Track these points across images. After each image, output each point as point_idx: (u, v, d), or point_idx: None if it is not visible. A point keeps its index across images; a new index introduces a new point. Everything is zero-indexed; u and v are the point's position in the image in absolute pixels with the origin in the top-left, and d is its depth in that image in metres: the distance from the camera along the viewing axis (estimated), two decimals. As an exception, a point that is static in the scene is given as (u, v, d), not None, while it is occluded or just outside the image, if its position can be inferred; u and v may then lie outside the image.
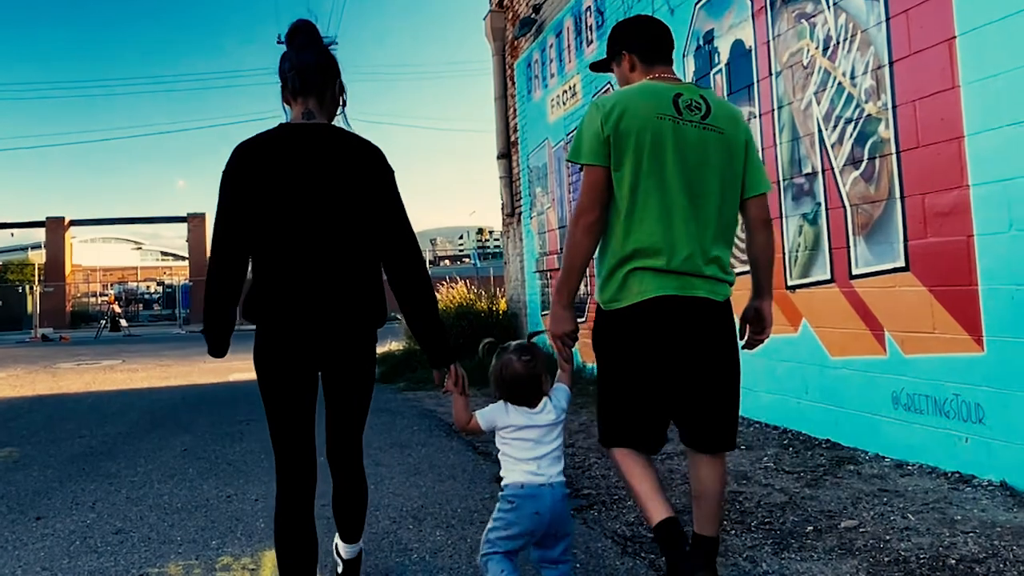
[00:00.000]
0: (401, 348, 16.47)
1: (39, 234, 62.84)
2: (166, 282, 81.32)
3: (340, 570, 4.42)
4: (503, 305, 17.26)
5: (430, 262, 71.98)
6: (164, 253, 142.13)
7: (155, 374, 18.55)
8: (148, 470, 7.95)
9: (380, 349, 16.44)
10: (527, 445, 3.95)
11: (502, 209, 17.59)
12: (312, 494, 3.92)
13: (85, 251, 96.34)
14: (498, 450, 4.05)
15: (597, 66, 4.67)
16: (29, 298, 51.40)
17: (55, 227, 57.98)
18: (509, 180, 17.12)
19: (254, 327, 3.85)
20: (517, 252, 16.89)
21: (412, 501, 6.42)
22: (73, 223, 60.19)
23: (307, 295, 3.74)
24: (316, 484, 3.95)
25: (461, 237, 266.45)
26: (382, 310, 3.94)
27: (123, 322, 45.09)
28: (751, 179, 4.13)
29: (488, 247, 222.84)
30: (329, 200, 3.75)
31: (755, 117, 8.60)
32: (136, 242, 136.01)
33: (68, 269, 58.93)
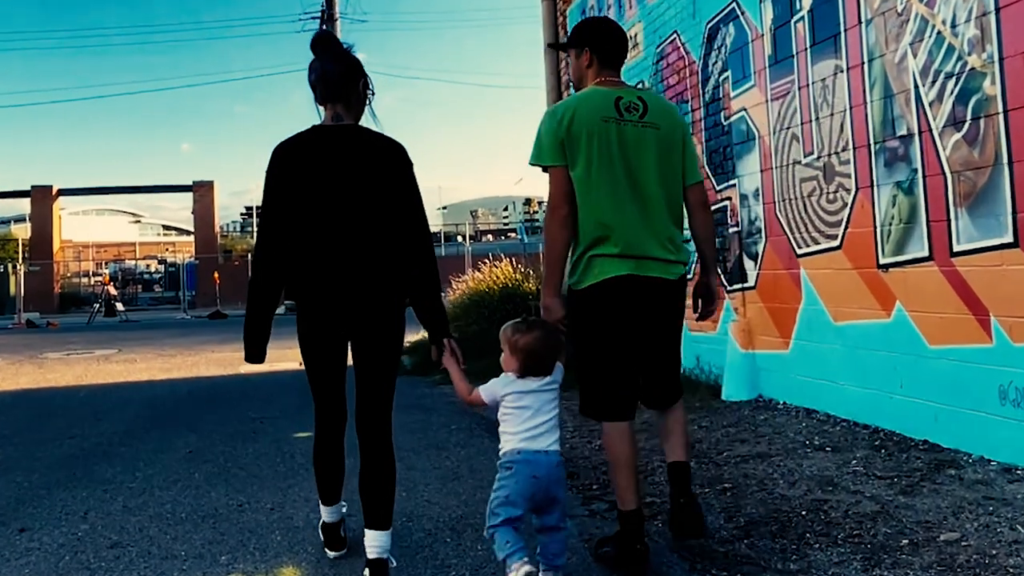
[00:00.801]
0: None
1: (23, 205, 63.62)
2: (168, 260, 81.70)
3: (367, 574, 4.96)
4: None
5: (471, 236, 72.15)
6: (166, 227, 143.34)
7: (156, 365, 18.77)
8: (148, 475, 8.05)
9: (412, 337, 16.58)
10: (527, 414, 4.71)
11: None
12: (343, 431, 5.31)
13: (76, 225, 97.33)
14: (499, 424, 4.83)
15: (556, 46, 6.66)
16: (12, 278, 51.54)
17: (41, 197, 58.46)
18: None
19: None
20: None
21: (450, 511, 6.47)
22: (62, 192, 60.75)
23: (339, 274, 4.93)
24: (346, 425, 5.29)
25: (506, 208, 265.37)
26: (404, 286, 5.08)
27: (119, 306, 45.49)
28: (689, 169, 5.48)
29: (537, 220, 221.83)
30: (357, 193, 4.94)
31: (841, 71, 8.52)
32: (134, 215, 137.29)
33: (56, 245, 59.52)
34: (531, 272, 17.70)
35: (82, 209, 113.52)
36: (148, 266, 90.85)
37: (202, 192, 59.55)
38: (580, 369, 5.34)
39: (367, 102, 5.30)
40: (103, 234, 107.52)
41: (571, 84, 16.93)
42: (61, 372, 17.86)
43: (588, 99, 5.32)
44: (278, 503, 6.84)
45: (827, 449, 7.60)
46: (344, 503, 5.65)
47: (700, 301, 5.75)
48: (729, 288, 10.80)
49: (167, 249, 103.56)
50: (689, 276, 5.62)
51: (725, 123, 10.80)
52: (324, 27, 33.14)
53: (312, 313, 5.07)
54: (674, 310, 5.38)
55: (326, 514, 5.58)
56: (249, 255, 54.51)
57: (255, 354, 5.05)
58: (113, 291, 48.03)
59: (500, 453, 4.76)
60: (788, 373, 9.65)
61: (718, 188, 10.94)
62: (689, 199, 5.51)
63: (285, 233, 4.96)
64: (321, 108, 5.21)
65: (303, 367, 5.29)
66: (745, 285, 10.47)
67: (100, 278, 58.82)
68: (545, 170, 5.24)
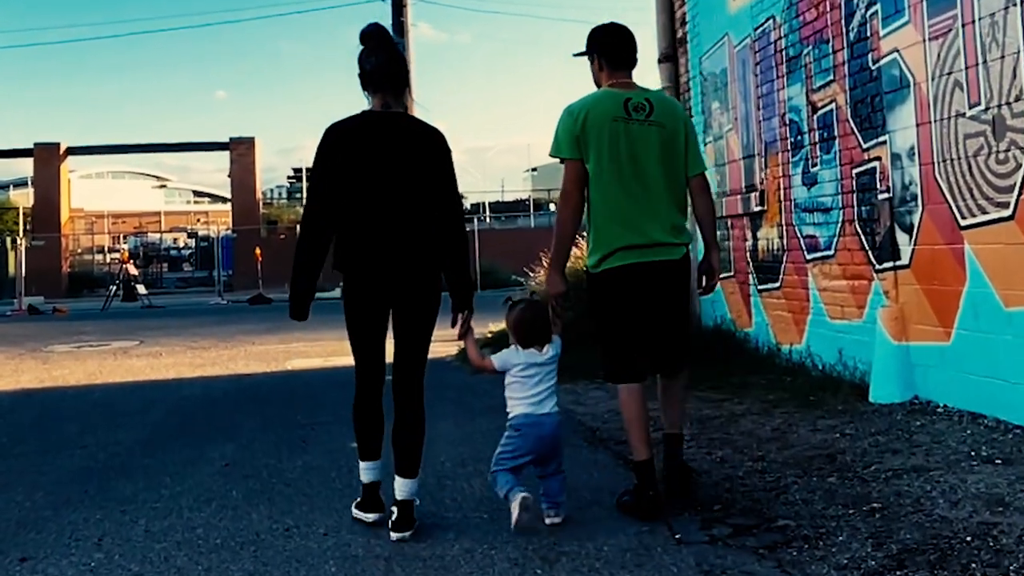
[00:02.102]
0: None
1: (25, 167, 64.59)
2: (200, 233, 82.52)
3: (395, 515, 6.71)
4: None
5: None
6: (197, 193, 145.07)
7: (185, 360, 19.05)
8: (176, 492, 8.17)
9: (494, 327, 16.74)
10: (532, 381, 6.85)
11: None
12: (381, 389, 7.04)
13: (89, 190, 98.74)
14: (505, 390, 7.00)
15: (581, 54, 7.85)
16: (11, 255, 51.61)
17: (47, 157, 59.34)
18: (675, 92, 16.97)
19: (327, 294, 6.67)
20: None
21: (540, 536, 6.51)
22: (72, 151, 61.68)
23: (382, 248, 6.77)
24: (383, 383, 7.01)
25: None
26: (440, 260, 6.96)
27: (141, 288, 45.68)
28: (691, 162, 7.51)
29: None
30: (401, 174, 6.81)
31: (1015, 5, 8.37)
32: (159, 178, 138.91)
33: (65, 215, 60.44)
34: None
35: (96, 171, 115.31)
36: (176, 240, 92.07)
37: (241, 151, 60.16)
38: (598, 341, 7.47)
39: (407, 93, 7.21)
40: (121, 202, 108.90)
41: (685, 21, 16.92)
42: (71, 368, 18.14)
43: (600, 101, 7.37)
44: (333, 527, 6.92)
45: (997, 461, 7.54)
46: (380, 464, 7.10)
47: (703, 278, 7.72)
48: (878, 267, 10.63)
49: (198, 220, 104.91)
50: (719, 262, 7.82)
51: (873, 67, 10.63)
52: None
53: (357, 283, 6.90)
54: (679, 285, 7.44)
55: (364, 472, 7.12)
56: (297, 227, 54.59)
57: (300, 311, 6.88)
58: (133, 270, 48.03)
59: (509, 416, 6.90)
60: (950, 370, 9.52)
61: (864, 146, 10.76)
62: (692, 187, 7.57)
63: (333, 207, 6.78)
64: (367, 94, 7.05)
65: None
66: (897, 263, 10.29)
67: (117, 255, 59.51)
68: (562, 162, 7.32)
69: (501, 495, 6.54)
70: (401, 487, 6.77)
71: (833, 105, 11.46)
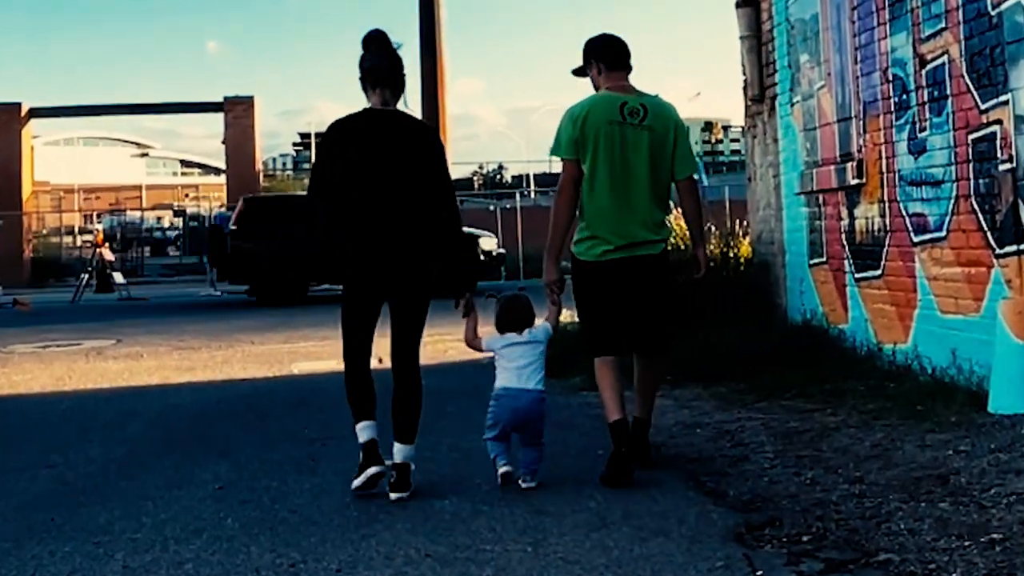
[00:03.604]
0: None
1: (-20, 133, 64.62)
2: (189, 210, 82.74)
3: (394, 478, 8.58)
4: (746, 249, 17.18)
5: None
6: (186, 163, 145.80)
7: (171, 363, 19.16)
8: (159, 521, 8.22)
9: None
10: (512, 356, 8.93)
11: (744, 90, 17.60)
12: (368, 364, 9.05)
13: (56, 160, 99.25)
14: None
15: (577, 72, 9.98)
16: (-37, 238, 51.82)
17: (5, 120, 59.63)
18: (756, 42, 16.95)
19: (324, 288, 9.95)
20: (769, 161, 16.89)
21: (595, 572, 6.53)
22: (35, 113, 62.03)
23: (378, 236, 8.75)
24: (370, 358, 9.05)
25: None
26: (433, 248, 8.96)
27: (118, 277, 45.56)
28: (678, 166, 9.48)
29: (721, 152, 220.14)
30: (397, 167, 8.77)
31: None
32: (140, 145, 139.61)
33: (28, 189, 60.75)
34: (712, 227, 17.57)
35: (64, 137, 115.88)
36: (160, 219, 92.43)
37: (238, 112, 60.35)
38: (580, 320, 9.88)
39: (402, 93, 9.17)
40: (95, 173, 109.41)
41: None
42: (34, 373, 18.22)
43: (598, 104, 9.43)
44: (347, 562, 6.96)
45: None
46: (375, 423, 8.83)
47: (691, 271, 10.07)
48: (999, 251, 10.50)
49: (187, 195, 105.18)
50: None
51: (993, 12, 10.53)
52: None
53: (354, 267, 8.93)
54: (657, 277, 9.43)
55: (361, 431, 8.85)
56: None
57: (335, 258, 9.04)
58: (109, 256, 47.94)
59: (494, 388, 8.99)
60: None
61: (982, 106, 10.64)
62: (680, 188, 9.73)
63: (332, 195, 8.91)
64: (367, 93, 9.09)
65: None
66: (1022, 247, 10.18)
67: (90, 237, 59.62)
68: (562, 160, 9.48)
69: (491, 458, 8.94)
70: (399, 452, 8.68)
71: (945, 58, 11.38)
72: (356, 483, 8.69)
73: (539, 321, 9.25)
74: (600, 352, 9.35)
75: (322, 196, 9.00)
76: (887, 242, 12.96)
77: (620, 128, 9.24)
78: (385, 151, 8.80)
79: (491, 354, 9.24)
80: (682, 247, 16.68)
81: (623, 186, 9.27)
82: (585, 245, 9.43)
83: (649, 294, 9.37)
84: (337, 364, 15.86)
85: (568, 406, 12.26)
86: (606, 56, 9.71)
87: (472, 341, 9.30)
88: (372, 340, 9.06)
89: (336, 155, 8.89)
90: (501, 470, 8.77)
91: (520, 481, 8.72)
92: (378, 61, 9.05)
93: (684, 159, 9.59)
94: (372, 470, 8.60)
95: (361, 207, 8.80)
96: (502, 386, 8.90)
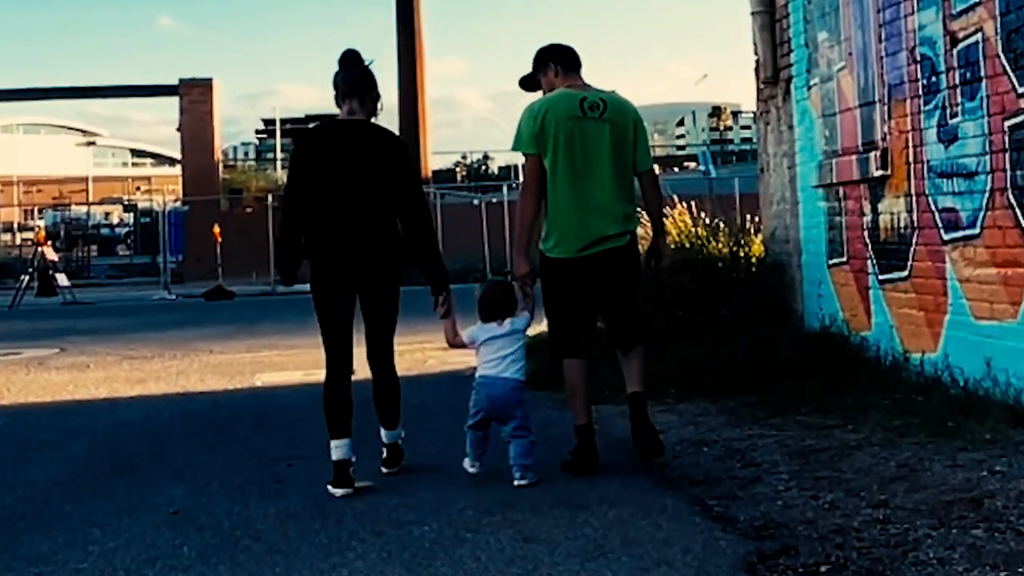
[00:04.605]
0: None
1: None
2: (141, 205, 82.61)
3: (385, 455, 10.38)
4: (758, 248, 17.19)
5: None
6: (136, 152, 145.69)
7: (120, 374, 19.17)
8: (108, 550, 8.20)
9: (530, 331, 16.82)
10: (492, 348, 9.96)
11: (756, 71, 17.66)
12: (349, 375, 10.04)
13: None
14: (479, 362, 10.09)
15: (525, 83, 11.22)
16: None
17: (-63, 105, 59.49)
18: (769, 18, 16.97)
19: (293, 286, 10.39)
20: (783, 150, 16.93)
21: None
22: (-31, 98, 61.85)
23: (346, 239, 9.81)
24: (352, 369, 10.03)
25: (681, 122, 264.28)
26: (400, 251, 10.13)
27: (61, 278, 45.58)
28: (639, 158, 10.61)
29: (730, 140, 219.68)
30: (362, 174, 9.86)
31: None
32: (86, 132, 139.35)
33: (-39, 182, 60.52)
34: (720, 224, 17.62)
35: (1, 124, 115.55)
36: (108, 214, 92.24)
37: (194, 96, 60.43)
38: (548, 318, 10.81)
39: (376, 111, 10.41)
40: (35, 164, 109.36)
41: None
42: (-32, 386, 18.20)
43: (558, 101, 10.49)
44: (316, 593, 6.93)
45: None
46: (350, 442, 9.78)
47: (652, 260, 11.31)
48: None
49: (138, 188, 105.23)
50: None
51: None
52: None
53: (325, 271, 9.96)
54: (626, 268, 10.55)
55: (335, 450, 9.74)
56: (270, 196, 54.65)
57: (289, 273, 10.30)
58: (51, 255, 47.99)
59: (475, 378, 10.16)
60: None
61: (1020, 90, 10.59)
62: (642, 181, 10.87)
63: (306, 207, 9.93)
64: (341, 105, 10.24)
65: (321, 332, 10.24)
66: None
67: (30, 234, 59.68)
68: (524, 156, 10.54)
69: (467, 450, 10.07)
70: (386, 435, 10.44)
71: (979, 36, 11.37)
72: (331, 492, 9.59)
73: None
74: (568, 354, 10.49)
75: (296, 212, 10.13)
76: (914, 240, 12.94)
77: (581, 123, 10.31)
78: (348, 157, 9.97)
79: (474, 351, 10.24)
80: (688, 245, 16.82)
81: (585, 180, 10.28)
82: (550, 243, 10.43)
83: (619, 286, 10.50)
84: (304, 376, 16.06)
85: (562, 421, 12.17)
86: (563, 59, 10.90)
87: (454, 340, 10.35)
88: (352, 347, 10.08)
89: (304, 164, 10.10)
90: (470, 470, 9.95)
91: (513, 480, 9.64)
92: (348, 74, 10.33)
93: (645, 152, 10.89)
94: (339, 492, 9.52)
95: (328, 209, 9.90)
96: (481, 375, 10.05)
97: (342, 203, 9.92)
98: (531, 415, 12.58)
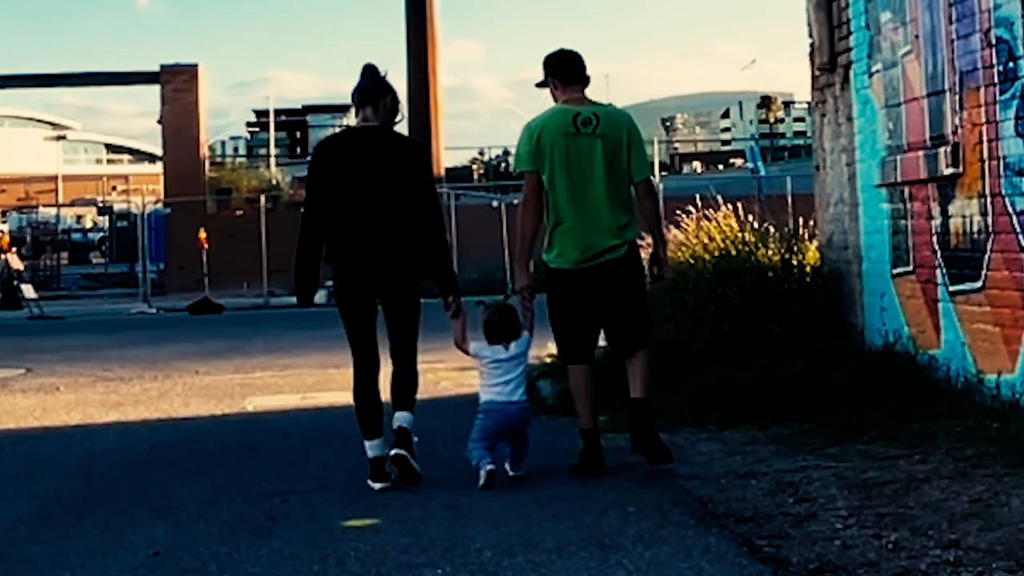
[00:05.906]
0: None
1: None
2: (117, 207, 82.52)
3: (395, 439, 11.33)
4: (812, 255, 17.18)
5: (662, 164, 74.55)
6: (112, 148, 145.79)
7: (94, 397, 19.19)
8: (80, 594, 8.18)
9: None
10: (498, 373, 11.61)
11: (811, 56, 17.73)
12: (377, 375, 11.82)
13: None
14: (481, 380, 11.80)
15: (541, 85, 12.54)
16: None
17: None
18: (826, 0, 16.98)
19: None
20: (841, 145, 17.02)
21: None
22: (-76, 86, 62.03)
23: (367, 246, 11.52)
24: (379, 369, 11.80)
25: (727, 114, 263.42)
26: (419, 254, 11.70)
27: (27, 290, 45.63)
28: (635, 168, 12.22)
29: (781, 134, 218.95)
30: (381, 181, 11.57)
31: None
32: (56, 125, 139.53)
33: (-85, 181, 60.65)
34: (770, 228, 17.66)
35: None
36: (80, 218, 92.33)
37: (178, 84, 60.46)
38: (553, 326, 12.09)
39: (394, 117, 11.98)
40: (0, 160, 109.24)
41: None
42: (-76, 411, 18.21)
43: (552, 118, 12.04)
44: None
45: None
46: (383, 440, 11.31)
47: (654, 269, 12.52)
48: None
49: (114, 188, 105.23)
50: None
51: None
52: None
53: (347, 276, 11.60)
54: (628, 277, 11.89)
55: (370, 449, 11.38)
56: (263, 196, 54.56)
57: (306, 297, 12.03)
58: (16, 263, 48.07)
59: (480, 402, 11.61)
60: None
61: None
62: (638, 191, 12.28)
63: (326, 215, 11.38)
64: (358, 113, 11.87)
65: (352, 401, 11.67)
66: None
67: (-7, 241, 59.58)
68: (522, 175, 12.09)
69: (474, 464, 11.19)
70: (398, 418, 11.54)
71: (1062, 16, 11.36)
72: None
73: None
74: (572, 360, 12.13)
75: (315, 221, 11.65)
76: (989, 247, 12.91)
77: (575, 139, 11.87)
78: (363, 163, 11.50)
79: (477, 364, 12.04)
80: (734, 252, 16.81)
81: (582, 194, 11.83)
82: (553, 253, 11.96)
83: (619, 295, 11.88)
84: (300, 399, 16.22)
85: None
86: (560, 73, 12.38)
87: (461, 344, 11.89)
88: (377, 350, 11.76)
89: (323, 174, 11.69)
90: (487, 467, 11.10)
91: (509, 471, 11.69)
92: (359, 85, 11.95)
93: (640, 163, 12.43)
94: (378, 486, 11.24)
95: (348, 215, 11.42)
96: (490, 400, 11.62)
97: (360, 209, 11.37)
98: (559, 443, 12.81)
